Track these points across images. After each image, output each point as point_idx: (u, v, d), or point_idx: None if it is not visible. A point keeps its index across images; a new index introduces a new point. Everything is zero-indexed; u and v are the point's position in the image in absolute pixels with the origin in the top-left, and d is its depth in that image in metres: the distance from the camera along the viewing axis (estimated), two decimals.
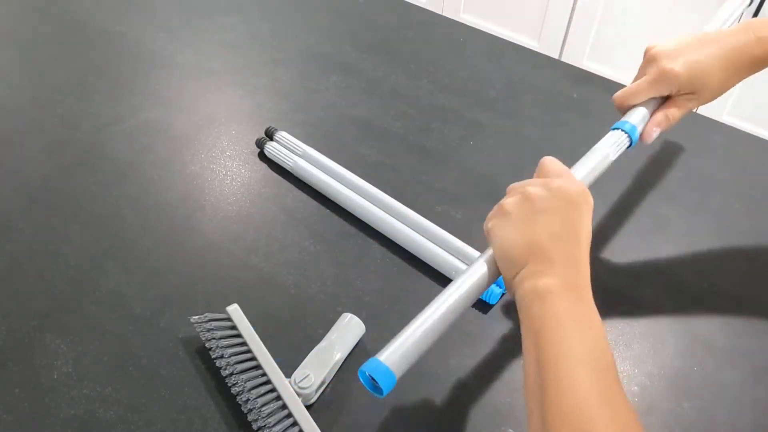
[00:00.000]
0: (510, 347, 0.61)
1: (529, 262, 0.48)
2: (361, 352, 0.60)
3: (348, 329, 0.60)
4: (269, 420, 0.52)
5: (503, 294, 0.65)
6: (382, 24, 1.08)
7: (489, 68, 0.98)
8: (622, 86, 0.97)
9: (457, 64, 0.99)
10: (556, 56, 1.96)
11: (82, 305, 0.63)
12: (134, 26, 1.04)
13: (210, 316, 0.59)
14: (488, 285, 0.51)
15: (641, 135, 0.64)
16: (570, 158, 0.85)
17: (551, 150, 0.85)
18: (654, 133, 0.64)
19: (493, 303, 0.64)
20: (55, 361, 0.58)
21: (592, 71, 1.00)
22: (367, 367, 0.45)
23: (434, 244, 0.68)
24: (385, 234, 0.71)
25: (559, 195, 0.50)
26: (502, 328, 0.63)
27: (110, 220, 0.72)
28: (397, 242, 0.70)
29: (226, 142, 0.83)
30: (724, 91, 0.64)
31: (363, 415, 0.56)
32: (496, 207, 0.53)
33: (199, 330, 0.58)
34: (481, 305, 0.65)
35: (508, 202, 0.52)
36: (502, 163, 0.82)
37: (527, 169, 0.82)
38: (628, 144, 0.62)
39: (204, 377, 0.58)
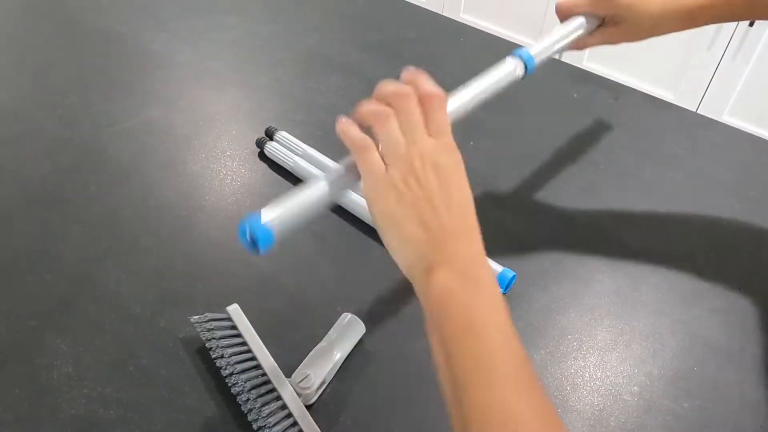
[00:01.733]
0: None
1: (427, 251, 0.43)
2: (361, 352, 0.60)
3: (348, 329, 0.60)
4: (269, 420, 0.52)
5: (506, 290, 0.65)
6: (382, 24, 1.08)
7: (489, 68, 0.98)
8: (623, 86, 0.97)
9: (457, 64, 0.99)
10: (556, 56, 1.96)
11: (82, 305, 0.63)
12: (134, 26, 1.04)
13: (210, 316, 0.59)
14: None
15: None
16: (569, 158, 0.85)
17: (551, 149, 0.86)
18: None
19: None
20: (55, 361, 0.58)
21: (592, 71, 1.00)
22: (249, 226, 0.45)
23: None
24: None
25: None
26: None
27: (110, 220, 0.72)
28: None
29: (226, 142, 0.83)
30: (652, 35, 0.65)
31: (363, 415, 0.56)
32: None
33: (199, 330, 0.58)
34: None
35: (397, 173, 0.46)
36: (502, 163, 0.82)
37: (527, 169, 0.83)
38: (522, 75, 0.62)
39: (204, 377, 0.57)
